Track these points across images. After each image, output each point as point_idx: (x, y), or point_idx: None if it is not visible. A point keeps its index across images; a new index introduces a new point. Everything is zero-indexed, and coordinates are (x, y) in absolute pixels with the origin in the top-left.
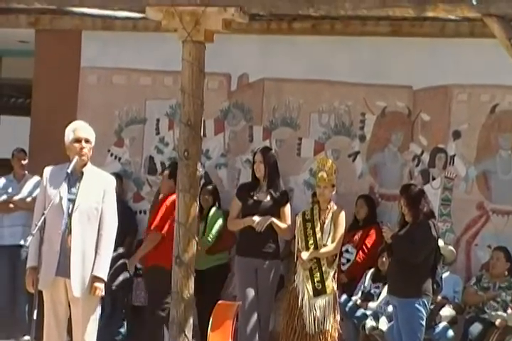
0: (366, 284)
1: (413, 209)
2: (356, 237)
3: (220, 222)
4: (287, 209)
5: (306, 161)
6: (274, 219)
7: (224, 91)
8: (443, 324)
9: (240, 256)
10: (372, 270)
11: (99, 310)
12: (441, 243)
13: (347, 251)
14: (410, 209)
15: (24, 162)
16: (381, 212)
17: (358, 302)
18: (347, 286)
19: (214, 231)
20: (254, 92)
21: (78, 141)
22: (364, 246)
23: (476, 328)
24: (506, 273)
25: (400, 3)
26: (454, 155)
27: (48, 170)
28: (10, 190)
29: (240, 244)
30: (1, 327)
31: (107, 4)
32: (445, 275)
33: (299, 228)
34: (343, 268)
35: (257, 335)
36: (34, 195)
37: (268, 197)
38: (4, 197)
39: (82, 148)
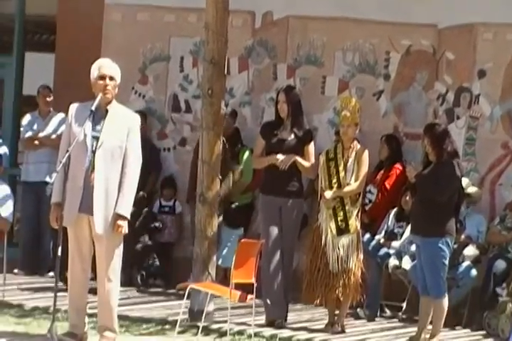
0: (389, 223)
1: (437, 148)
2: (378, 178)
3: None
4: (311, 147)
5: (330, 100)
6: (298, 158)
7: (248, 29)
8: (466, 263)
9: (264, 195)
10: (395, 209)
11: (122, 247)
12: (467, 183)
13: (369, 191)
14: (434, 148)
15: (49, 99)
16: (405, 151)
17: (382, 241)
18: (369, 226)
19: (251, 172)
20: (278, 30)
21: (103, 78)
22: (383, 187)
23: (500, 265)
24: None
25: None
26: (479, 94)
27: (73, 107)
28: (35, 126)
29: (264, 183)
30: (26, 263)
31: None
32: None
33: (322, 167)
34: (366, 208)
35: (280, 273)
36: (59, 131)
37: (292, 136)
38: (29, 133)
39: (106, 86)
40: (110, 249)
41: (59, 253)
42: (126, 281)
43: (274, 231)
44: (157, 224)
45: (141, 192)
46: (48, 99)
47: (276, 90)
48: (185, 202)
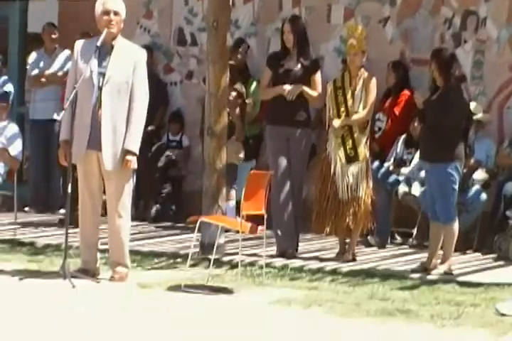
0: (398, 150)
1: (444, 73)
2: (386, 105)
3: None
4: (318, 77)
5: (336, 28)
6: (305, 88)
7: None
8: (476, 187)
9: (271, 125)
10: (404, 136)
11: (132, 182)
12: (476, 107)
13: (378, 119)
14: (441, 73)
15: (54, 36)
16: (413, 78)
17: (391, 168)
18: (380, 154)
19: (258, 103)
20: None
21: (107, 13)
22: (392, 114)
23: (510, 187)
24: None
25: None
26: (486, 18)
27: (78, 44)
28: (41, 64)
29: (271, 113)
30: (37, 201)
31: None
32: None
33: (330, 95)
34: (376, 136)
35: (290, 203)
36: (65, 68)
37: (298, 66)
38: (36, 71)
39: (110, 21)
40: (120, 185)
41: (69, 190)
42: (139, 215)
43: (283, 161)
44: (169, 154)
45: (149, 127)
46: (53, 36)
47: (281, 20)
48: (199, 134)
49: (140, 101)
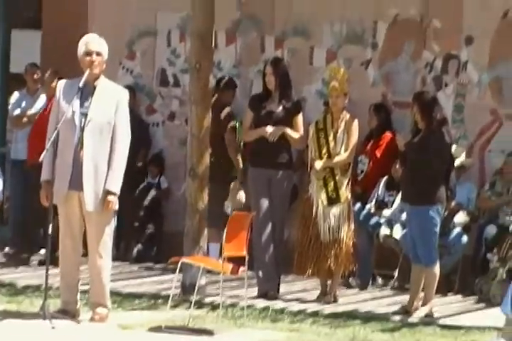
0: (380, 192)
1: (426, 116)
2: (368, 147)
3: None
4: (299, 119)
5: (319, 70)
6: (287, 129)
7: (234, 2)
8: (457, 230)
9: (253, 167)
10: (385, 178)
11: (113, 223)
12: (460, 151)
13: (361, 161)
14: (423, 116)
15: (37, 76)
16: (394, 120)
17: (372, 210)
18: (362, 196)
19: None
20: (265, 2)
21: (89, 54)
22: (374, 157)
23: (491, 231)
24: None
25: None
26: (467, 62)
27: (61, 84)
28: (23, 104)
29: (254, 155)
30: (17, 241)
31: None
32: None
33: (312, 137)
34: (358, 179)
35: (271, 245)
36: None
37: (280, 108)
38: (18, 111)
39: (93, 61)
40: (101, 225)
41: (49, 230)
42: (120, 256)
43: (265, 203)
44: (154, 194)
45: (134, 167)
46: (35, 76)
47: (264, 62)
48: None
49: (122, 142)
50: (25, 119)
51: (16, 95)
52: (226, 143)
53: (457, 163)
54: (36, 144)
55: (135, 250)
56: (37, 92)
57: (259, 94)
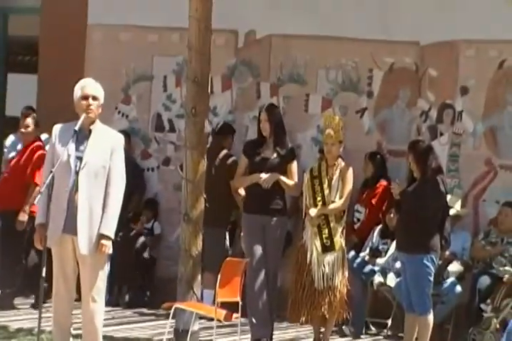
0: (374, 240)
1: (421, 165)
2: (364, 196)
3: None
4: (294, 166)
5: (314, 117)
6: (282, 177)
7: (231, 48)
8: (451, 279)
9: (247, 213)
10: (380, 226)
11: (107, 267)
12: (451, 200)
13: (357, 210)
14: (418, 165)
15: (32, 120)
16: (389, 169)
17: (366, 258)
18: (358, 245)
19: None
20: (261, 49)
21: (85, 98)
22: (370, 205)
23: (484, 281)
24: None
25: None
26: (462, 111)
27: (56, 128)
28: (19, 147)
29: (247, 201)
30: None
31: None
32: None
33: (306, 185)
34: (355, 227)
35: (265, 292)
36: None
37: (275, 154)
38: (13, 154)
39: (89, 106)
40: (94, 270)
41: (43, 274)
42: (113, 301)
43: (258, 249)
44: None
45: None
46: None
47: (259, 109)
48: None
49: (116, 186)
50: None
51: (11, 138)
52: (232, 189)
53: (452, 212)
54: (6, 190)
55: (128, 295)
56: None
57: (254, 141)
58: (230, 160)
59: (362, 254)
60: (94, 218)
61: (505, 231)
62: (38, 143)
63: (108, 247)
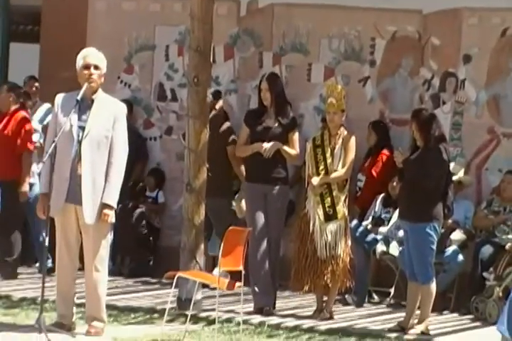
0: (377, 209)
1: (424, 133)
2: (366, 165)
3: None
4: (295, 135)
5: (316, 87)
6: (283, 146)
7: (233, 17)
8: (453, 247)
9: (249, 182)
10: (382, 195)
11: (110, 236)
12: (458, 168)
13: (359, 179)
14: (421, 133)
15: (35, 89)
16: (392, 137)
17: (369, 227)
18: (358, 213)
19: None
20: (263, 18)
21: (87, 67)
22: (370, 175)
23: (487, 250)
24: None
25: None
26: (465, 79)
27: (59, 97)
28: None
29: (249, 170)
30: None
31: None
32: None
33: (309, 154)
34: (357, 195)
35: (267, 261)
36: (45, 122)
37: (276, 124)
38: None
39: (90, 75)
40: (97, 239)
41: (46, 243)
42: (116, 270)
43: (260, 218)
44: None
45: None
46: (34, 89)
47: (261, 78)
48: None
49: (119, 156)
50: None
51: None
52: (229, 156)
53: (455, 178)
54: None
55: (130, 264)
56: (35, 105)
57: (255, 110)
58: (225, 126)
59: (364, 223)
60: (97, 187)
61: (508, 200)
62: (23, 114)
63: (111, 216)
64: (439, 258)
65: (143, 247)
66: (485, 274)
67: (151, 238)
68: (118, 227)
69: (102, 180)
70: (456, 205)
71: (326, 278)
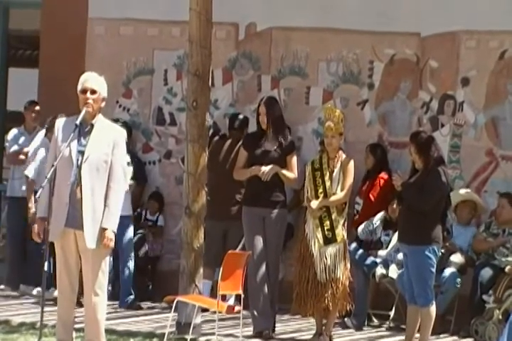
0: (375, 221)
1: (423, 156)
2: (364, 188)
3: None
4: (294, 158)
5: (315, 110)
6: (282, 170)
7: (232, 41)
8: (451, 269)
9: (247, 206)
10: (382, 213)
11: (109, 261)
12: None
13: (357, 202)
14: (420, 156)
15: (36, 114)
16: (390, 160)
17: (377, 224)
18: (356, 236)
19: None
20: (262, 41)
21: (84, 92)
22: (367, 198)
23: (486, 273)
24: None
25: None
26: (463, 102)
27: (59, 122)
28: (21, 141)
29: (247, 194)
30: (13, 279)
31: None
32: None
33: (308, 177)
34: (355, 219)
35: (266, 284)
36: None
37: (275, 147)
38: (15, 148)
39: (87, 99)
40: (97, 263)
41: (45, 268)
42: (115, 294)
43: (259, 242)
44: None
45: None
46: (34, 114)
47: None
48: None
49: (118, 181)
50: (22, 156)
51: (13, 132)
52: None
53: (459, 198)
54: None
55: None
56: (35, 130)
57: (254, 133)
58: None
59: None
60: (97, 212)
61: (504, 223)
62: None
63: (111, 240)
64: (437, 279)
65: (142, 273)
66: (484, 297)
67: (149, 266)
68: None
69: (102, 205)
70: (463, 231)
71: (326, 301)
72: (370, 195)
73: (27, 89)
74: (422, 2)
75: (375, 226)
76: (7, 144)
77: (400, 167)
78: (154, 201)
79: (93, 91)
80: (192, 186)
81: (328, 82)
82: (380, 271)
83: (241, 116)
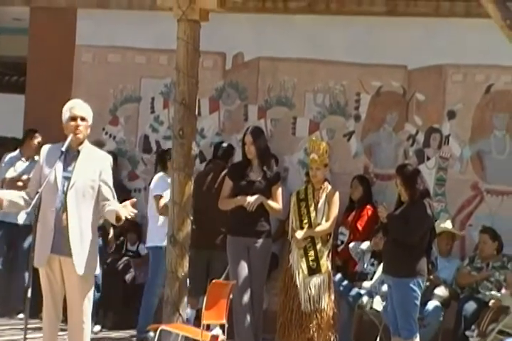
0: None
1: (409, 188)
2: (349, 219)
3: None
4: (279, 189)
5: (301, 140)
6: (267, 200)
7: (219, 70)
8: (434, 303)
9: (232, 236)
10: (367, 242)
11: (93, 288)
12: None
13: (341, 233)
14: (406, 188)
15: (37, 142)
16: (375, 192)
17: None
18: (341, 268)
19: None
20: (249, 71)
21: (74, 119)
22: (355, 228)
23: (470, 306)
24: (495, 252)
25: None
26: (449, 135)
27: (44, 149)
28: (19, 168)
29: (232, 224)
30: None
31: None
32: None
33: (293, 207)
34: (338, 250)
35: (250, 314)
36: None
37: (260, 178)
38: (11, 172)
39: (77, 126)
40: (83, 290)
41: (29, 294)
42: (98, 323)
43: (243, 271)
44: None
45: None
46: (36, 142)
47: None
48: None
49: (113, 197)
50: (20, 183)
51: (8, 157)
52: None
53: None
54: None
55: (114, 317)
56: (34, 158)
57: (239, 163)
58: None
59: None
60: (85, 238)
61: (487, 258)
62: None
63: (96, 268)
64: (420, 312)
65: (128, 303)
66: (467, 333)
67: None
68: (103, 283)
69: (89, 231)
70: (447, 264)
71: (311, 332)
72: (358, 225)
73: (13, 115)
74: (409, 35)
75: (364, 250)
76: (1, 169)
77: (385, 199)
78: (132, 232)
79: (82, 119)
80: (177, 215)
81: (315, 113)
82: (365, 299)
83: (225, 145)
